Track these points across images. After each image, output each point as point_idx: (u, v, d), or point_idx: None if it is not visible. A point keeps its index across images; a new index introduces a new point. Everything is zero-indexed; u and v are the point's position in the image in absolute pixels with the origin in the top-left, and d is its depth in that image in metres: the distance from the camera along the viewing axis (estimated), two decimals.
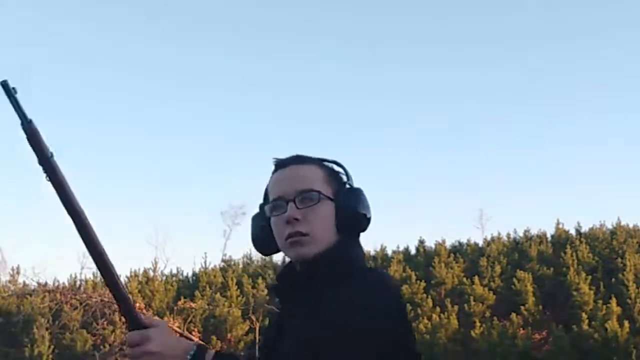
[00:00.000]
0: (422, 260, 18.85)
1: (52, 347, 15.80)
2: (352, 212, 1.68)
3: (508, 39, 32.96)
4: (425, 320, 15.89)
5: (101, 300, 15.87)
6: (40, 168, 1.43)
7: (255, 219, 1.78)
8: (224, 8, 33.64)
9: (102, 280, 1.51)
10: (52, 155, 1.43)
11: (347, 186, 1.73)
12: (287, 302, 1.74)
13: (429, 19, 33.82)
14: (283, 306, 1.76)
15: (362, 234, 1.74)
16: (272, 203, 1.70)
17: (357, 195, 1.71)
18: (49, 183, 1.44)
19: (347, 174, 1.75)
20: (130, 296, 1.55)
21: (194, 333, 16.18)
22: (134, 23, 33.12)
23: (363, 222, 1.70)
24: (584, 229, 19.65)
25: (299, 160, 1.72)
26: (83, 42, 32.23)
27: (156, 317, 1.56)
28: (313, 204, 1.64)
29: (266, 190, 1.76)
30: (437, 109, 33.12)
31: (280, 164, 1.73)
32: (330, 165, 1.76)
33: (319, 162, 1.75)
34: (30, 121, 1.41)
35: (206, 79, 34.32)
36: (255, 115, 33.80)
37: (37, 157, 1.42)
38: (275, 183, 1.71)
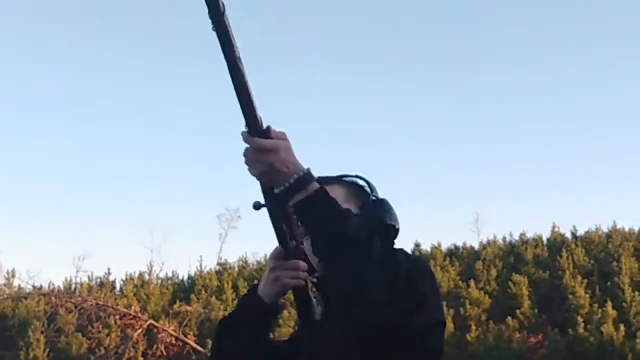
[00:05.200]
0: None
1: (47, 350, 15.75)
2: (376, 222, 1.72)
3: (504, 38, 33.03)
4: None
5: (97, 304, 15.86)
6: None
7: None
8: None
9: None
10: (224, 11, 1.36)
11: (372, 199, 1.76)
12: None
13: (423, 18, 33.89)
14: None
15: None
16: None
17: (382, 207, 1.76)
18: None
19: (370, 187, 1.79)
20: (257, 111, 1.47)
21: (189, 337, 16.16)
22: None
23: (391, 232, 1.76)
24: (580, 232, 19.71)
25: (322, 182, 1.71)
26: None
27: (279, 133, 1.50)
28: None
29: None
30: (435, 111, 33.18)
31: None
32: (354, 181, 1.80)
33: (341, 181, 1.79)
34: None
35: (203, 80, 34.30)
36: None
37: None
38: None
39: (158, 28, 33.67)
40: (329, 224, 1.45)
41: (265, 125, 1.47)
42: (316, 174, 1.79)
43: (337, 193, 1.71)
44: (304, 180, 1.46)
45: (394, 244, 1.79)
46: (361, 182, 1.81)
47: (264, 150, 1.45)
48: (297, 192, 1.45)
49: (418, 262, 1.60)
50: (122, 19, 33.55)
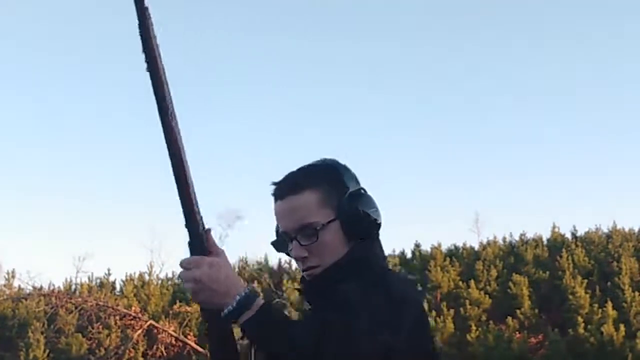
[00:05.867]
0: (418, 264, 18.85)
1: (47, 351, 15.76)
2: (355, 220, 1.66)
3: (499, 38, 33.05)
4: None
5: (97, 304, 15.85)
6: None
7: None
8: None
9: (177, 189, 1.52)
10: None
11: (348, 193, 1.68)
12: (312, 302, 1.76)
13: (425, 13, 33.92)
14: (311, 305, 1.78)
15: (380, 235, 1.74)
16: (279, 238, 1.73)
17: (357, 200, 1.68)
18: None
19: (345, 180, 1.70)
20: (200, 219, 1.54)
21: (189, 337, 16.16)
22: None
23: (369, 224, 1.68)
24: (580, 232, 19.73)
25: (292, 189, 1.68)
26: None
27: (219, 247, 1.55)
28: (314, 240, 1.65)
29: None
30: (433, 112, 33.20)
31: (276, 195, 1.71)
32: (328, 176, 1.70)
33: (314, 182, 1.69)
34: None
35: (203, 80, 34.31)
36: (251, 118, 33.82)
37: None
38: (277, 216, 1.72)
39: (161, 28, 33.66)
40: (275, 340, 1.45)
41: (206, 227, 1.52)
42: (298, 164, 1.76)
43: (312, 199, 1.66)
44: (246, 300, 1.46)
45: (377, 235, 1.72)
46: (336, 176, 1.70)
47: (187, 266, 1.48)
48: (242, 313, 1.45)
49: (392, 309, 1.52)
50: (124, 18, 33.59)
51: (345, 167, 1.74)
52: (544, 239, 19.50)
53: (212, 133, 33.72)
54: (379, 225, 1.71)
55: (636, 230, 19.47)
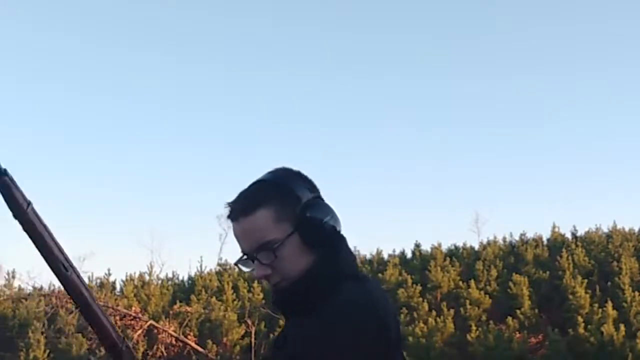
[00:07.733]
0: (418, 264, 18.85)
1: (47, 351, 15.76)
2: (312, 229, 1.63)
3: (504, 41, 33.06)
4: (421, 324, 15.89)
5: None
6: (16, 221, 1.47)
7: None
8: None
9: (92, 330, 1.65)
10: (29, 205, 1.50)
11: (302, 203, 1.65)
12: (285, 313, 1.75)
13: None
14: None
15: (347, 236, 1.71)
16: (242, 258, 1.69)
17: (311, 210, 1.65)
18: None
19: (296, 191, 1.66)
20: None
21: (189, 337, 16.16)
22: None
23: (327, 232, 1.65)
24: (580, 232, 19.73)
25: (245, 210, 1.64)
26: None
27: None
28: (273, 257, 1.63)
29: None
30: (433, 113, 33.20)
31: (230, 218, 1.68)
32: (279, 190, 1.66)
33: (265, 199, 1.65)
34: (5, 171, 1.47)
35: (201, 84, 34.32)
36: (250, 119, 33.81)
37: (12, 211, 1.48)
38: (235, 238, 1.68)
39: (162, 28, 33.72)
40: None
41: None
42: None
43: (266, 218, 1.63)
44: None
45: (339, 240, 1.69)
46: (287, 188, 1.65)
47: None
48: None
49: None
50: (127, 16, 33.63)
51: (296, 177, 1.70)
52: (544, 239, 19.51)
53: (212, 132, 33.74)
54: (337, 232, 1.68)
55: (636, 230, 19.47)
